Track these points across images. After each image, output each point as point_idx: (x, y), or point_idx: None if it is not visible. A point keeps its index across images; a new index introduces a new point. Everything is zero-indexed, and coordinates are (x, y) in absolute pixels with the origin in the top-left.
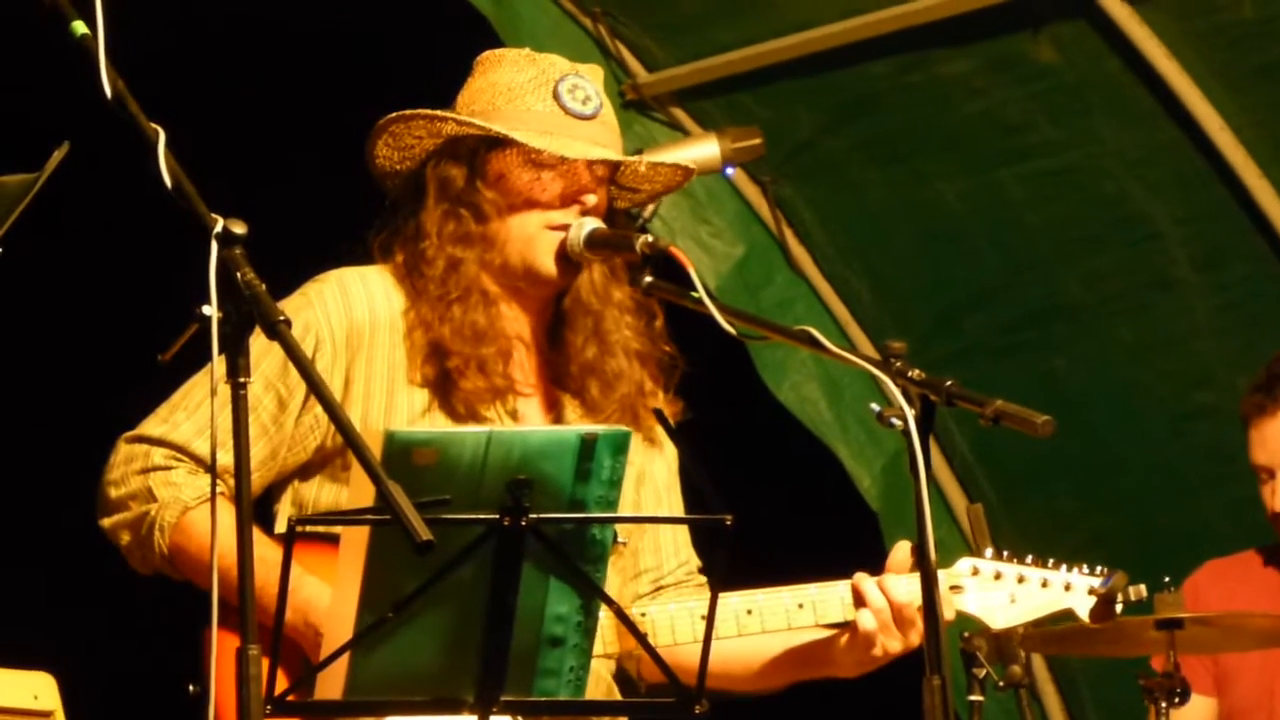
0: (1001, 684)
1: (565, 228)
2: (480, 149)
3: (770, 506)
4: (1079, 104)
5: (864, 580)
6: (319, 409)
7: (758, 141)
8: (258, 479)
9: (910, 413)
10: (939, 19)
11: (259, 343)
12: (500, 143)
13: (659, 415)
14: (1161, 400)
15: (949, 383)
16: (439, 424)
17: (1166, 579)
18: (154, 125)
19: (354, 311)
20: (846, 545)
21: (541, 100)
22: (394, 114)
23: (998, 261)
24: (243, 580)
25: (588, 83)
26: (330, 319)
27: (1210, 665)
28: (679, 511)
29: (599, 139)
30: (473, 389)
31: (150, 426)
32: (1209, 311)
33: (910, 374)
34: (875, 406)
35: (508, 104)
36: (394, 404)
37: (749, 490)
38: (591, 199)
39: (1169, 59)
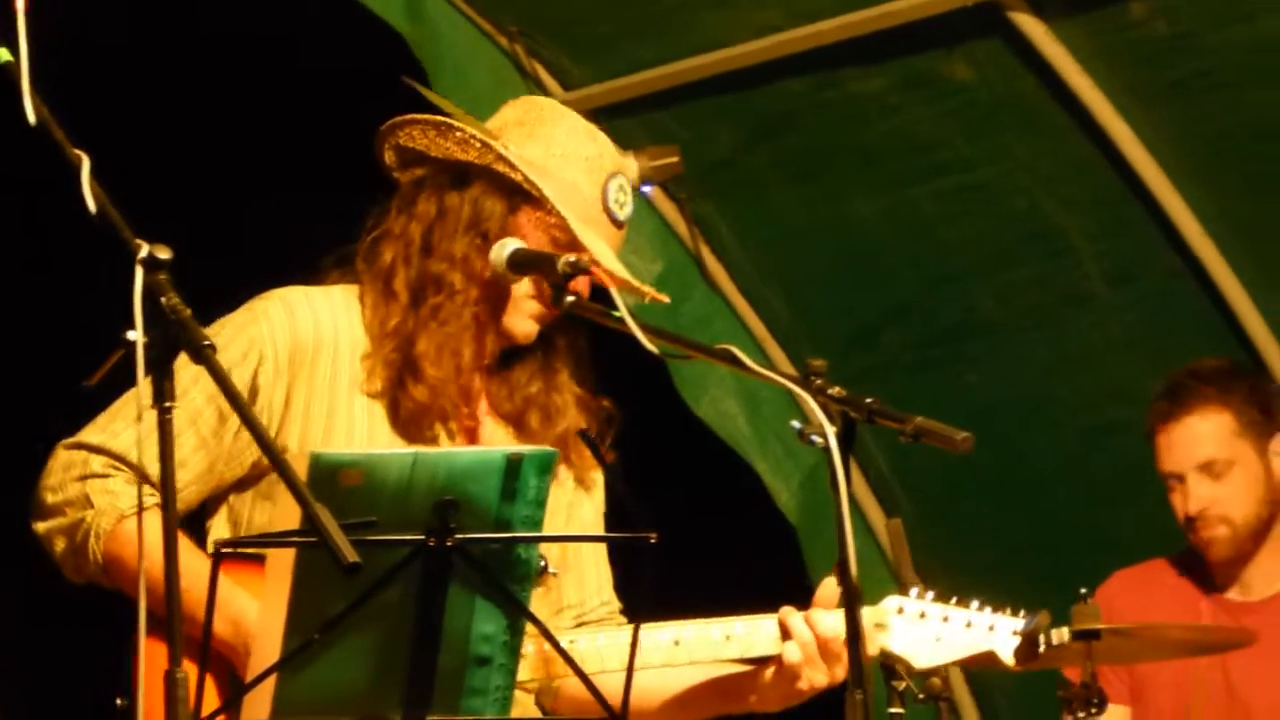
0: (921, 696)
1: (543, 316)
2: (518, 194)
3: (689, 521)
4: (993, 121)
5: (791, 614)
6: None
7: (675, 160)
8: (195, 491)
9: (831, 430)
10: (854, 37)
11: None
12: (540, 203)
13: (583, 435)
14: (1075, 414)
15: (869, 400)
16: (381, 438)
17: (1083, 590)
18: (78, 151)
19: (298, 329)
20: (766, 559)
21: (592, 185)
22: (442, 119)
23: (913, 277)
24: (170, 602)
25: (629, 185)
26: (275, 335)
27: (1125, 676)
28: (604, 556)
29: (616, 247)
30: (427, 407)
31: (90, 434)
32: (1122, 326)
33: (831, 391)
34: (796, 424)
35: (560, 169)
36: (334, 422)
37: (669, 506)
38: (583, 295)
39: (1082, 75)
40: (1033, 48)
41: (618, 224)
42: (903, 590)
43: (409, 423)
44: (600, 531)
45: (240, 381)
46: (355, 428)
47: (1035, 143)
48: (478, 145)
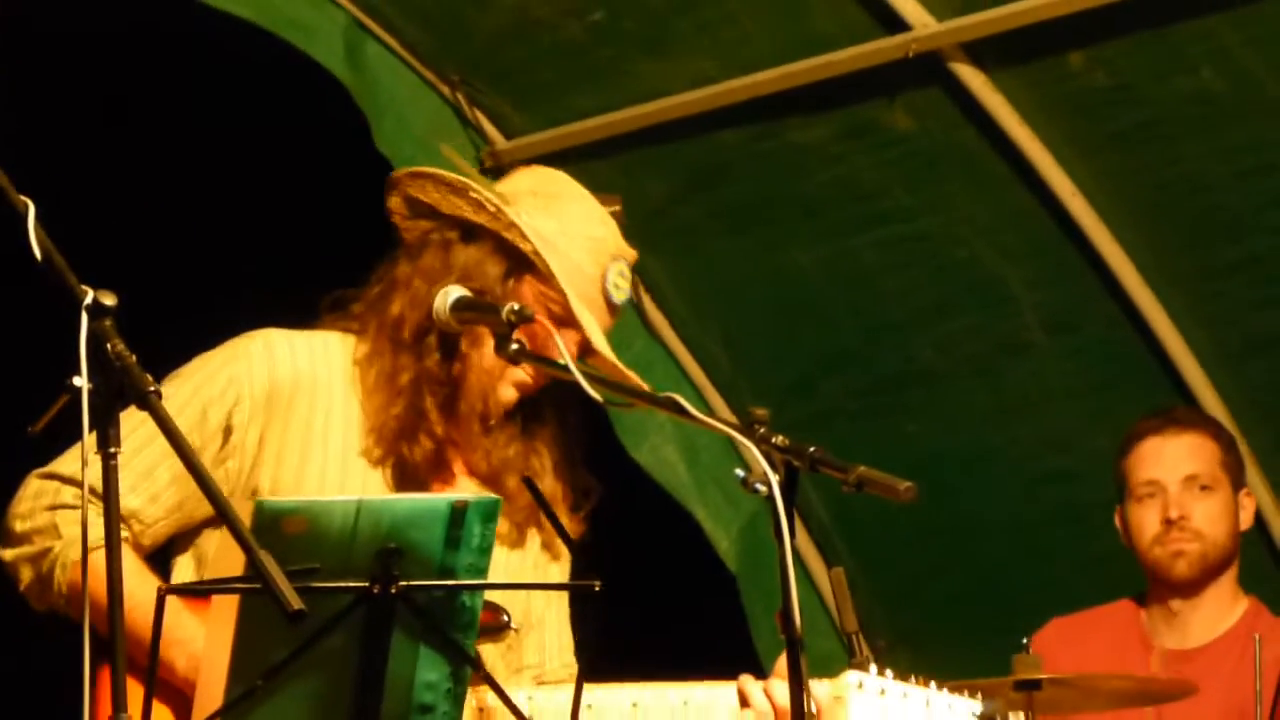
0: None
1: (528, 387)
2: (522, 264)
3: (630, 568)
4: (934, 171)
5: (749, 683)
6: (231, 462)
7: (617, 209)
8: (165, 527)
9: (775, 479)
10: (793, 87)
11: (180, 395)
12: (542, 275)
13: (528, 483)
14: (1015, 463)
15: (812, 449)
16: (373, 488)
17: (1025, 640)
18: (23, 198)
19: (277, 372)
20: (706, 607)
21: (594, 266)
22: (460, 179)
23: (852, 326)
24: (114, 650)
25: (628, 271)
26: (254, 375)
27: None
28: (566, 619)
29: (607, 329)
30: (422, 461)
31: (63, 464)
32: (1062, 375)
33: (774, 440)
34: (739, 472)
35: (569, 246)
36: (306, 469)
37: (608, 553)
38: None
39: (1022, 126)
40: (973, 98)
41: (613, 308)
42: (846, 637)
43: (408, 476)
44: (564, 600)
45: (216, 418)
46: (348, 481)
47: (976, 193)
48: (492, 209)
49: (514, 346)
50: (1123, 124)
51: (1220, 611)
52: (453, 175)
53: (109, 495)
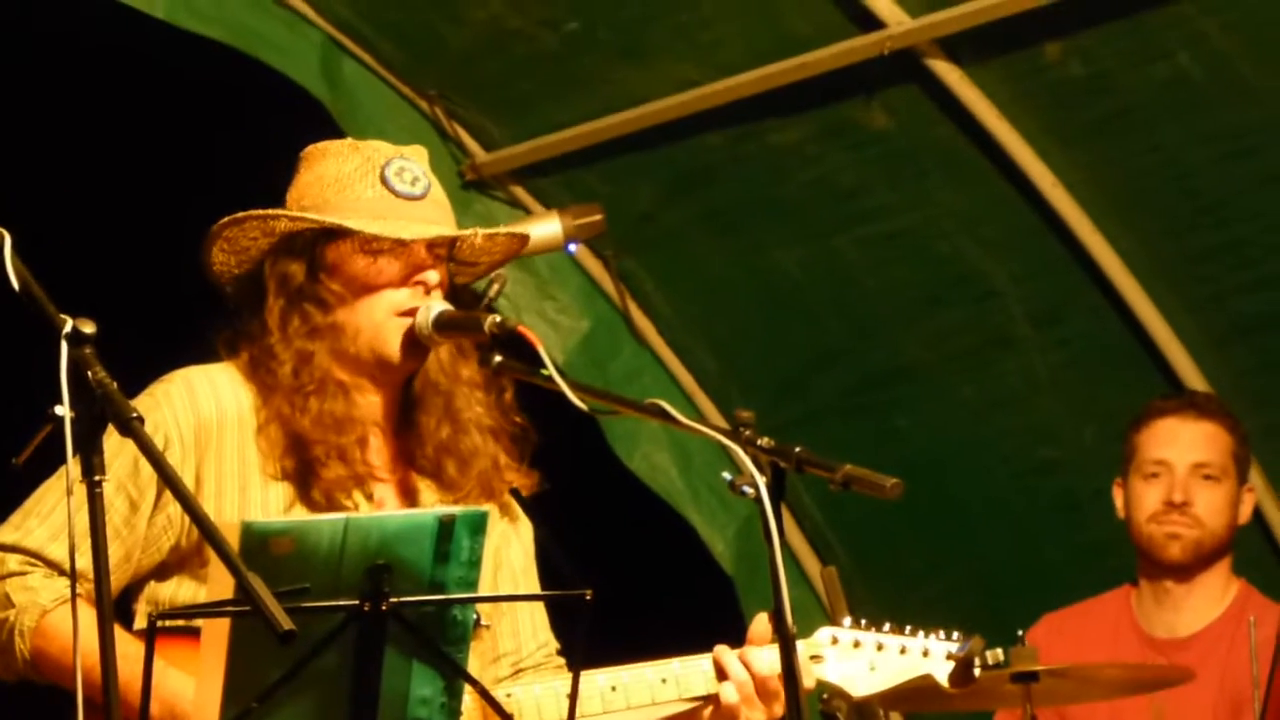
0: None
1: (412, 312)
2: (316, 242)
3: (627, 575)
4: (913, 167)
5: (725, 653)
6: (172, 508)
7: (599, 218)
8: (113, 581)
9: (761, 480)
10: (771, 89)
11: (110, 445)
12: (335, 234)
13: (515, 495)
14: (1005, 457)
15: (798, 449)
16: (299, 516)
17: (1020, 632)
18: None
19: (201, 410)
20: (703, 610)
21: (370, 187)
22: (226, 219)
23: (839, 325)
24: (106, 678)
25: (414, 164)
26: (179, 418)
27: (1059, 719)
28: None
29: (431, 217)
30: (334, 478)
31: (4, 534)
32: (1049, 367)
33: (760, 442)
34: (727, 475)
35: (337, 195)
36: (247, 499)
37: (605, 560)
38: (433, 276)
39: (1000, 119)
40: (950, 93)
41: (416, 198)
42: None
43: (323, 500)
44: (532, 575)
45: (149, 469)
46: (273, 503)
47: (956, 187)
48: (260, 225)
49: (497, 360)
50: (1100, 113)
51: (1212, 598)
52: (234, 216)
53: (95, 520)
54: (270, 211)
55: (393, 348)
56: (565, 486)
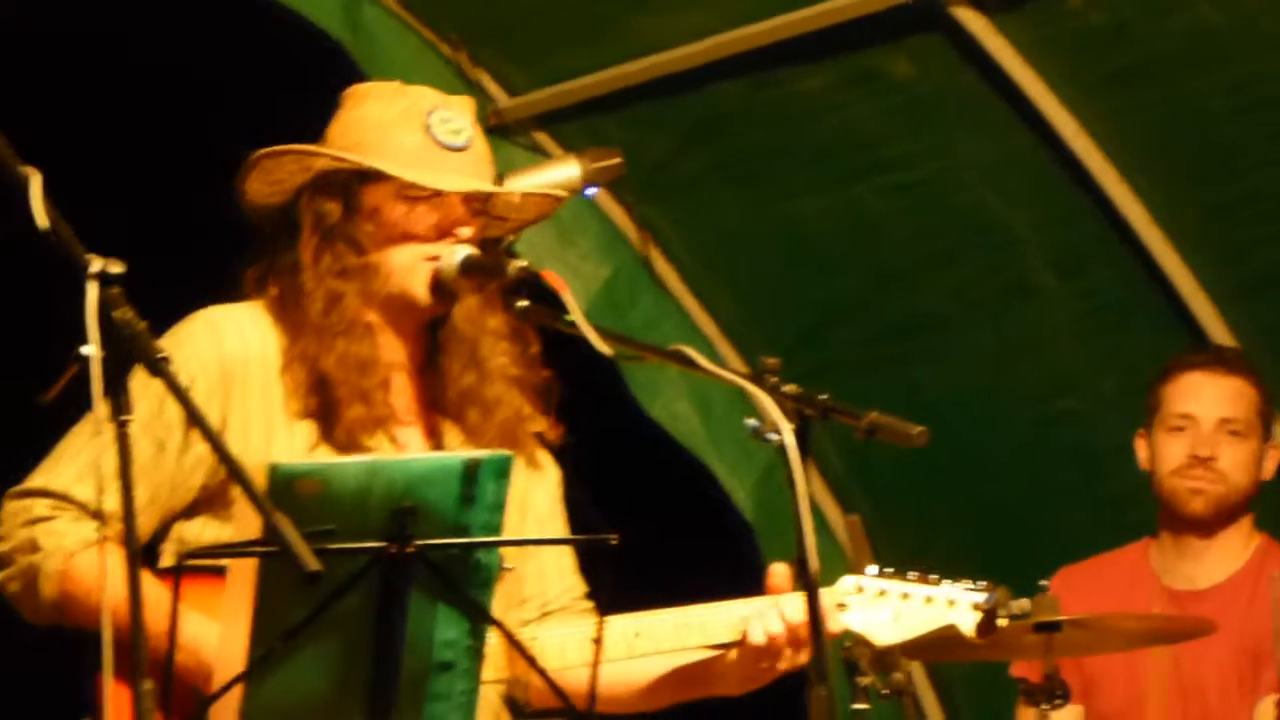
0: (885, 691)
1: (440, 259)
2: (353, 183)
3: (648, 522)
4: (936, 116)
5: (766, 608)
6: (200, 447)
7: (617, 161)
8: (143, 524)
9: (787, 428)
10: (792, 36)
11: (133, 386)
12: (373, 176)
13: (541, 439)
14: (1026, 406)
15: (824, 397)
16: (322, 457)
17: (1042, 582)
18: (27, 167)
19: (225, 349)
20: (723, 558)
21: (413, 133)
22: (265, 150)
23: (859, 274)
24: (135, 615)
25: (458, 114)
26: (202, 357)
27: (1076, 672)
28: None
29: (471, 170)
30: (356, 419)
31: (33, 480)
32: (1070, 317)
33: (785, 389)
34: (751, 422)
35: (379, 137)
36: (273, 439)
37: (627, 507)
38: (466, 231)
39: (1024, 68)
40: (973, 41)
41: (458, 149)
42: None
43: (345, 440)
44: (558, 520)
45: (173, 407)
46: (297, 441)
47: (979, 137)
48: (297, 160)
49: (521, 304)
50: (1123, 63)
51: (1232, 552)
52: (274, 148)
53: (125, 459)
54: (311, 148)
55: (420, 290)
56: (585, 433)
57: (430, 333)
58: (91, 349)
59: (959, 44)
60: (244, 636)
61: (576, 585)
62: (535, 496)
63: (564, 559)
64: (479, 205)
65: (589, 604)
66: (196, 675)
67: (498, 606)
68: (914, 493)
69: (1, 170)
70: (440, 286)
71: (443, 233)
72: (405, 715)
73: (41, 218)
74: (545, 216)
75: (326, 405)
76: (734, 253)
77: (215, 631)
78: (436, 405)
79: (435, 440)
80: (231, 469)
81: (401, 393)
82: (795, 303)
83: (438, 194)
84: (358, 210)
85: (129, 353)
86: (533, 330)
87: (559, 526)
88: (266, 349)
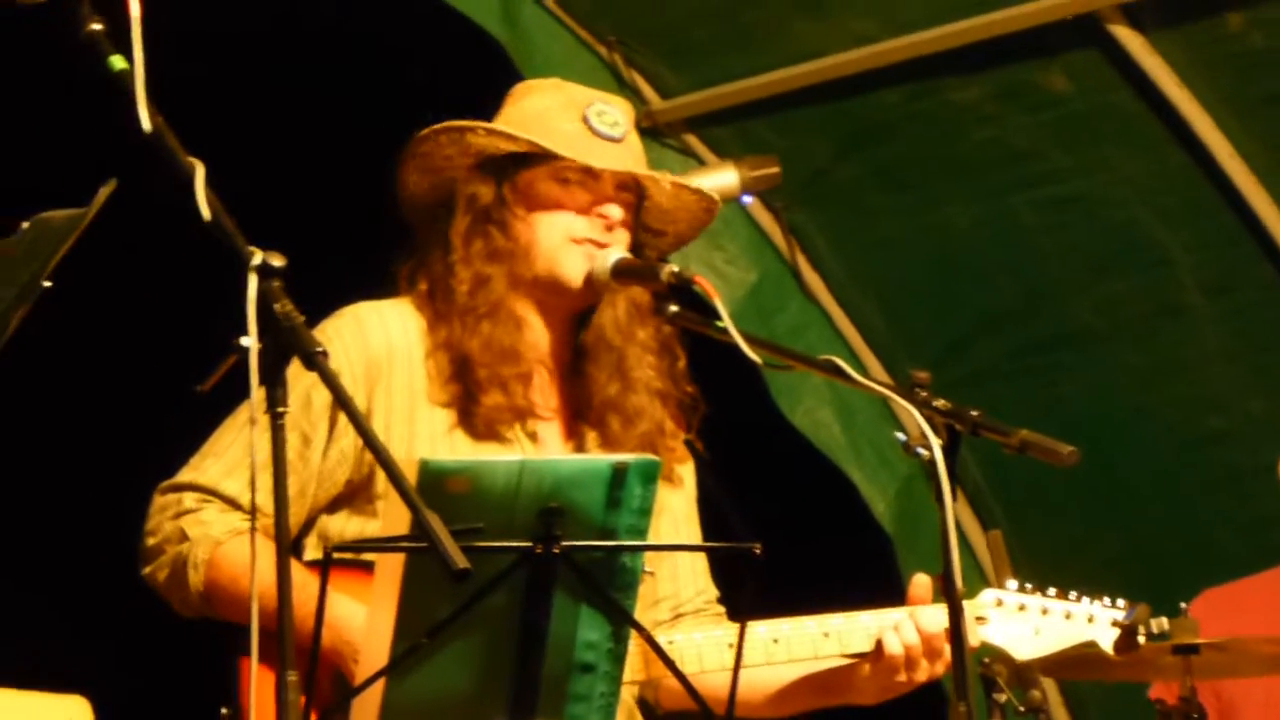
0: (1022, 709)
1: (588, 242)
2: (509, 165)
3: (786, 530)
4: (1090, 132)
5: (893, 611)
6: (344, 441)
7: (775, 170)
8: (289, 516)
9: (937, 443)
10: (951, 48)
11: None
12: (529, 159)
13: (690, 446)
14: (1171, 426)
15: (974, 413)
16: (460, 444)
17: (1183, 605)
18: (192, 159)
19: (371, 344)
20: (860, 567)
21: (570, 121)
22: (424, 130)
23: (1009, 287)
24: (282, 604)
25: (616, 110)
26: (349, 353)
27: (1212, 697)
28: (698, 543)
29: (624, 161)
30: (494, 406)
31: (182, 475)
32: (1218, 337)
33: (935, 403)
34: (900, 435)
35: (538, 124)
36: (415, 429)
37: (765, 513)
38: (615, 211)
39: (1180, 87)
40: (1130, 59)
41: (613, 140)
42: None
43: (483, 429)
44: (694, 524)
45: (322, 401)
46: (437, 428)
47: (1132, 154)
48: (456, 142)
49: (672, 309)
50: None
51: None
52: (432, 127)
53: (279, 450)
54: (464, 123)
55: (567, 270)
56: (725, 440)
57: (576, 334)
58: (250, 340)
59: (1115, 61)
60: (389, 630)
61: (709, 589)
62: (672, 501)
63: (698, 562)
64: (630, 198)
65: (721, 608)
66: (340, 655)
67: (636, 609)
68: (1054, 509)
69: (169, 162)
70: (591, 284)
71: (591, 211)
72: (546, 715)
73: (205, 209)
74: (698, 230)
75: (466, 391)
76: (882, 261)
77: (361, 613)
78: (578, 410)
79: (575, 442)
80: (384, 464)
81: (543, 390)
82: (942, 313)
83: (590, 173)
84: (512, 190)
85: (287, 345)
86: (680, 345)
87: (694, 532)
88: (411, 342)
